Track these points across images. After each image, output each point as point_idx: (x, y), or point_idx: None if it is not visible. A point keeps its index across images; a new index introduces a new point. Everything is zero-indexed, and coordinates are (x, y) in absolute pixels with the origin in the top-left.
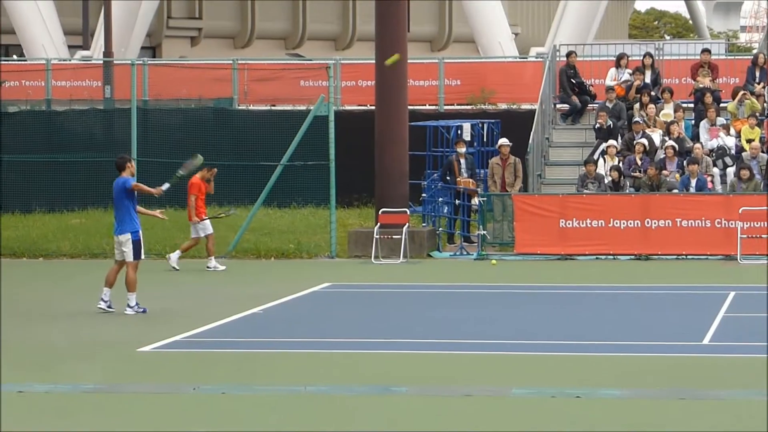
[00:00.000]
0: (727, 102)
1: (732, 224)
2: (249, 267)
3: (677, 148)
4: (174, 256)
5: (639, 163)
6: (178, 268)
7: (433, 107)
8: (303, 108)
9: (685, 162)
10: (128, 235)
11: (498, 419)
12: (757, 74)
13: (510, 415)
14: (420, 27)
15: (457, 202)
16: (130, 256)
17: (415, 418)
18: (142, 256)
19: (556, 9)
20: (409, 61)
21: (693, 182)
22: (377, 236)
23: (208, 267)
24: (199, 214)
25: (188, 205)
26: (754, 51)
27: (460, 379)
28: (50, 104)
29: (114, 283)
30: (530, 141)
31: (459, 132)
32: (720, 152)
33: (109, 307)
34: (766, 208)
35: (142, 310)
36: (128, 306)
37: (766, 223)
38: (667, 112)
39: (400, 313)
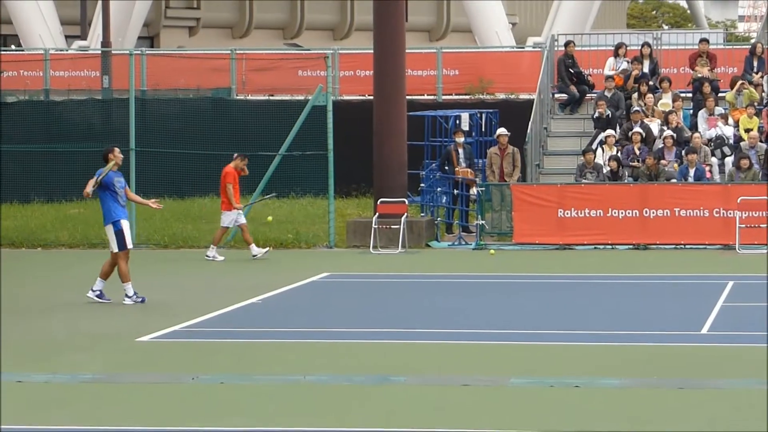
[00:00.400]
0: (725, 91)
1: (730, 214)
2: (247, 257)
3: (676, 138)
4: (255, 249)
5: (637, 152)
6: (258, 254)
7: (432, 97)
8: (301, 98)
9: (683, 151)
10: (110, 226)
11: (496, 409)
12: (755, 64)
13: (508, 404)
14: (418, 17)
15: (455, 192)
16: (114, 247)
17: (413, 407)
18: (129, 246)
19: None
20: (407, 51)
21: (691, 172)
22: (376, 226)
23: (207, 256)
24: (237, 202)
25: (224, 194)
26: (753, 40)
27: (459, 369)
28: (48, 94)
29: (108, 274)
30: (528, 131)
31: (457, 122)
32: (718, 142)
33: (99, 297)
34: (764, 197)
35: (140, 299)
36: (126, 296)
37: (764, 212)
38: (666, 101)
39: (398, 302)
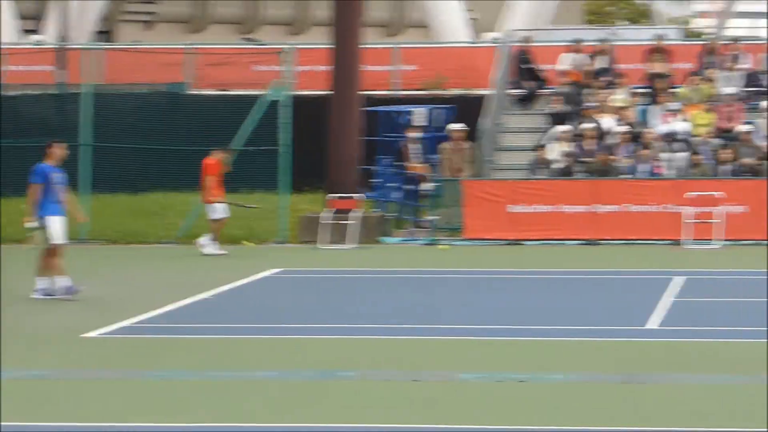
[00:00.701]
0: (680, 87)
1: (680, 209)
2: (199, 252)
3: (629, 133)
4: (204, 241)
5: (590, 148)
6: (210, 251)
7: (388, 92)
8: (256, 93)
9: (636, 147)
10: (35, 222)
11: (445, 403)
12: (710, 60)
13: (457, 399)
14: (375, 12)
15: (408, 187)
16: (46, 242)
17: (363, 403)
18: (57, 241)
19: None
20: (364, 46)
21: (643, 167)
22: (328, 221)
23: (205, 252)
24: (215, 195)
25: (205, 186)
26: (708, 36)
27: (409, 364)
28: (3, 89)
29: (47, 269)
30: (483, 126)
31: (412, 117)
32: (671, 137)
33: (47, 294)
34: (715, 193)
35: (47, 295)
36: (37, 289)
37: (714, 208)
38: (621, 97)
39: (349, 298)
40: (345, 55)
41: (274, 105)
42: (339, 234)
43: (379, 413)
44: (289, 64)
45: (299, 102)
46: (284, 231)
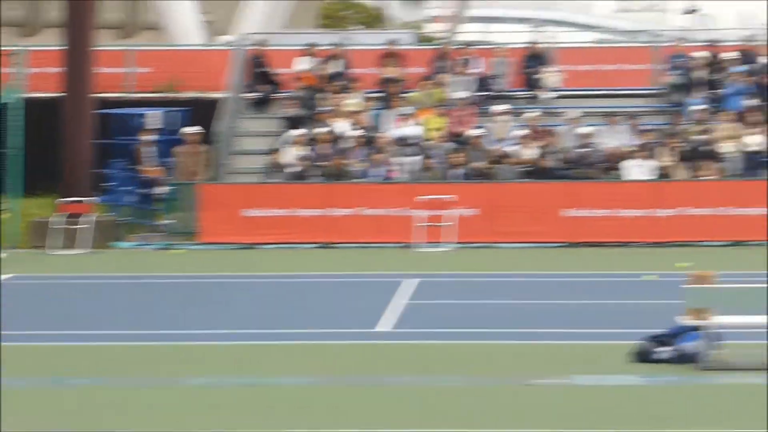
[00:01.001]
0: (412, 92)
1: (412, 212)
2: None
3: (363, 138)
4: None
5: (325, 152)
6: None
7: (122, 95)
8: None
9: (370, 151)
10: None
11: (167, 410)
12: (442, 64)
13: (180, 405)
14: (109, 13)
15: (142, 191)
16: None
17: (92, 410)
18: None
19: None
20: (97, 48)
21: (377, 171)
22: (60, 226)
23: None
24: None
25: None
26: (441, 41)
27: (136, 370)
28: None
29: None
30: (218, 130)
31: (146, 120)
32: (405, 141)
33: None
34: (447, 196)
35: None
36: None
37: (445, 211)
38: (355, 101)
39: (81, 304)
40: (78, 57)
41: (4, 107)
42: (71, 239)
43: (109, 420)
44: (20, 66)
45: (31, 104)
46: (15, 236)
